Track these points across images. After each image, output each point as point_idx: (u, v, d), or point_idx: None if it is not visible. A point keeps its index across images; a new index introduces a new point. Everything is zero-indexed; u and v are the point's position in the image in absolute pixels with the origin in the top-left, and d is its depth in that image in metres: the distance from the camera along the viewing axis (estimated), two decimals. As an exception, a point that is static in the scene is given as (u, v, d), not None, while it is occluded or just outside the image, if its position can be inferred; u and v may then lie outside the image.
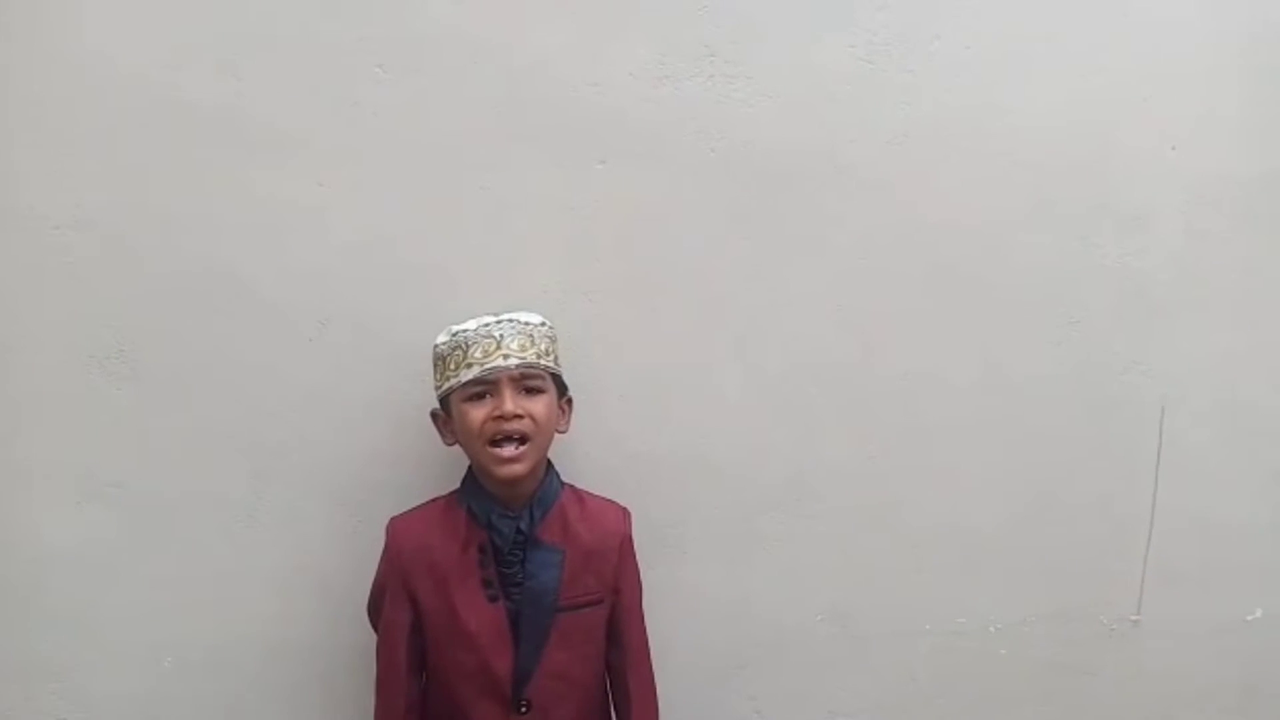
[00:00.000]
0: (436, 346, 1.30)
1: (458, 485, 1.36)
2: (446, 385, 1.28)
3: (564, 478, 1.38)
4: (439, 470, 1.43)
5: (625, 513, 1.37)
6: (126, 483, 1.46)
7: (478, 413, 1.25)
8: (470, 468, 1.33)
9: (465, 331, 1.27)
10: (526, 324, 1.28)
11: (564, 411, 1.34)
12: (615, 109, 1.49)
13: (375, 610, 1.35)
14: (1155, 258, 1.60)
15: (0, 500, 1.44)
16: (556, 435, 1.32)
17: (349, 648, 1.46)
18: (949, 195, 1.56)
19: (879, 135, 1.54)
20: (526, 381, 1.27)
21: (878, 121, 1.54)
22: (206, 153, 1.44)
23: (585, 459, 1.42)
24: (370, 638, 1.38)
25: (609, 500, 1.38)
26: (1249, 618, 1.65)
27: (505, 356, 1.25)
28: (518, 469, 1.25)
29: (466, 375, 1.25)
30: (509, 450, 1.24)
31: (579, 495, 1.36)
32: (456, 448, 1.34)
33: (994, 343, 1.58)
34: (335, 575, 1.48)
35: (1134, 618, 1.63)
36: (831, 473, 1.56)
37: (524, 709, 1.28)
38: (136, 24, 1.43)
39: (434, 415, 1.34)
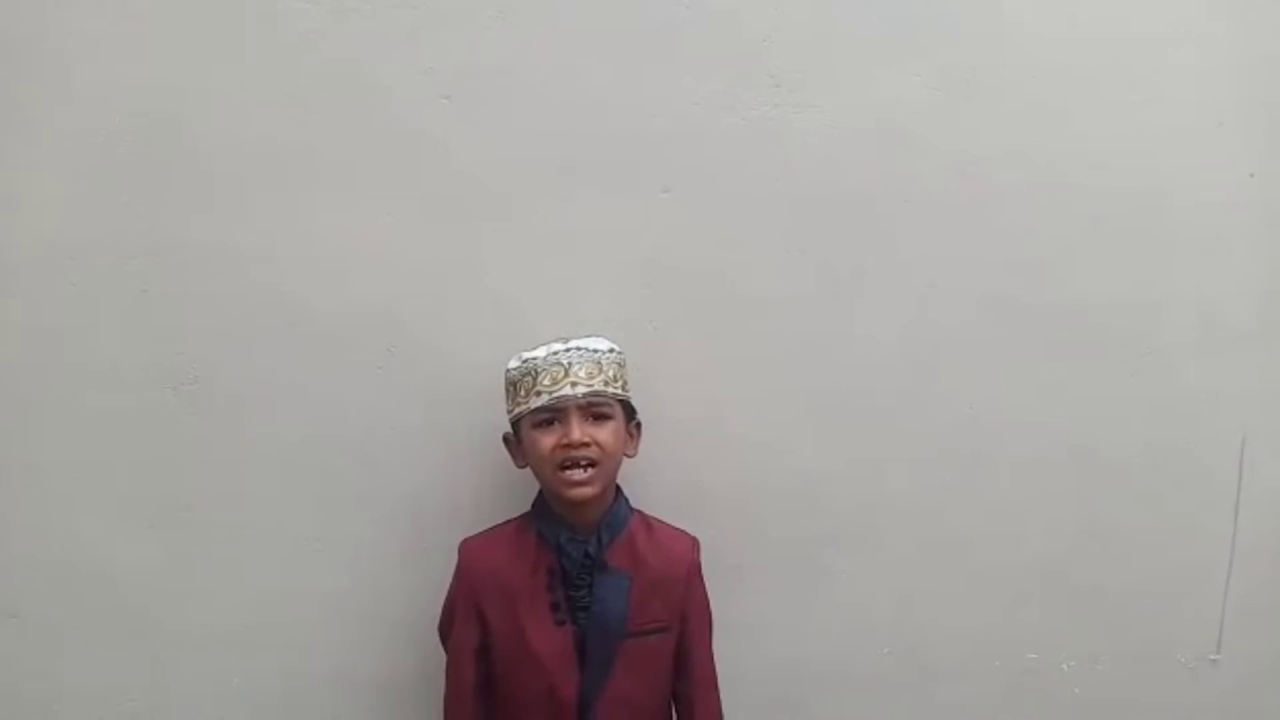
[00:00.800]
0: (508, 372, 1.33)
1: (523, 509, 1.39)
2: (517, 410, 1.31)
3: (630, 505, 1.38)
4: (503, 495, 1.46)
5: (694, 541, 1.39)
6: (197, 507, 1.49)
7: (547, 439, 1.28)
8: (540, 491, 1.35)
9: (535, 359, 1.30)
10: (595, 351, 1.31)
11: (632, 436, 1.37)
12: (680, 138, 1.51)
13: (446, 630, 1.38)
14: (1233, 286, 1.58)
15: (75, 522, 1.48)
16: (625, 459, 1.35)
17: (413, 673, 1.49)
18: (1018, 225, 1.56)
19: (946, 165, 1.54)
20: (594, 409, 1.29)
21: (945, 152, 1.54)
22: (274, 184, 1.48)
23: (646, 487, 1.43)
24: (434, 663, 1.40)
25: (678, 529, 1.39)
26: (1334, 658, 1.58)
27: (573, 385, 1.28)
28: (586, 491, 1.27)
29: (536, 402, 1.28)
30: (577, 474, 1.27)
31: (648, 522, 1.38)
32: (527, 471, 1.36)
33: (1066, 374, 1.57)
34: (400, 600, 1.50)
35: (1213, 657, 1.60)
36: (897, 505, 1.56)
37: None
38: (208, 57, 1.47)
39: (506, 439, 1.37)
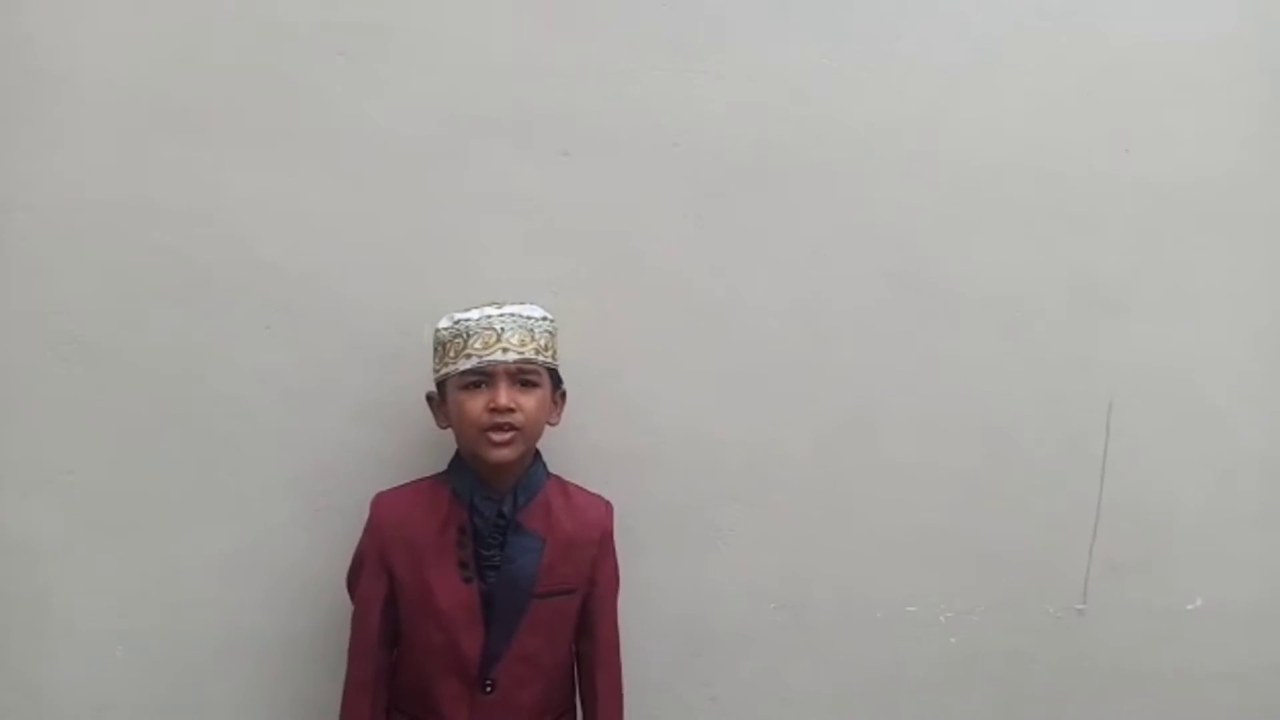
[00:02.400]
0: (438, 331, 1.34)
1: (427, 471, 1.41)
2: (444, 371, 1.33)
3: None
4: (407, 456, 1.48)
5: (609, 507, 1.43)
6: (78, 470, 1.47)
7: (473, 402, 1.30)
8: (457, 451, 1.37)
9: (467, 321, 1.31)
10: (528, 318, 1.33)
11: (557, 404, 1.39)
12: (580, 103, 1.54)
13: (354, 581, 1.39)
14: (1106, 257, 1.67)
15: None
16: (547, 427, 1.37)
17: (305, 635, 1.50)
18: (907, 194, 1.62)
19: (841, 134, 1.60)
20: (522, 375, 1.31)
21: (839, 120, 1.60)
22: (163, 141, 1.46)
23: (545, 448, 1.44)
24: (327, 623, 1.43)
25: (594, 494, 1.43)
26: (1189, 607, 1.72)
27: (504, 350, 1.29)
28: (506, 454, 1.30)
29: (464, 365, 1.30)
30: (499, 436, 1.29)
31: (564, 486, 1.41)
32: (433, 432, 1.39)
33: (947, 339, 1.64)
34: (292, 563, 1.50)
35: (1079, 607, 1.70)
36: (786, 465, 1.62)
37: (489, 689, 1.32)
38: (91, 13, 1.43)
39: (429, 398, 1.39)
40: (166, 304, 1.46)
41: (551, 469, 1.43)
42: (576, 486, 1.42)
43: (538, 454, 1.39)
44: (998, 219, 1.63)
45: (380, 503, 1.36)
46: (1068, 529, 1.68)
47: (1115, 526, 1.68)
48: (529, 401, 1.31)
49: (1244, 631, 1.72)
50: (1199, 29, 1.66)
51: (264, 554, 1.50)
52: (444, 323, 1.33)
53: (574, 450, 1.51)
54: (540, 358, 1.32)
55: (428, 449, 1.45)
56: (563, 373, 1.40)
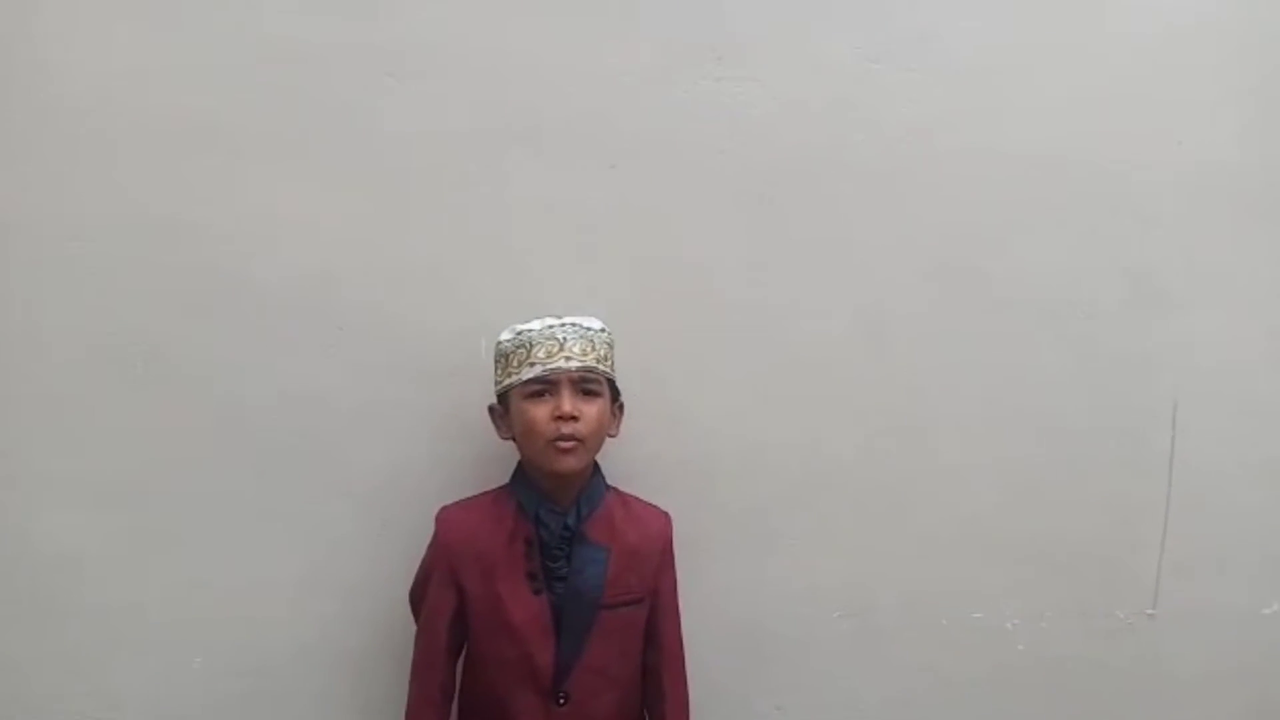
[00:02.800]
0: (499, 344, 1.36)
1: (487, 484, 1.42)
2: (508, 381, 1.34)
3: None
4: (467, 470, 1.48)
5: (667, 517, 1.44)
6: (145, 486, 1.49)
7: (537, 411, 1.31)
8: (520, 463, 1.39)
9: (530, 331, 1.33)
10: (588, 329, 1.35)
11: (616, 416, 1.41)
12: (624, 113, 1.55)
13: (418, 597, 1.40)
14: (1165, 252, 1.66)
15: (23, 502, 1.47)
16: (607, 438, 1.38)
17: (373, 650, 1.51)
18: (957, 193, 1.61)
19: (885, 135, 1.60)
20: (585, 384, 1.33)
21: (884, 121, 1.60)
22: (221, 161, 1.48)
23: (604, 458, 1.44)
24: (394, 638, 1.43)
25: (652, 505, 1.45)
26: (1265, 611, 1.70)
27: (567, 359, 1.31)
28: (571, 462, 1.31)
29: (529, 374, 1.31)
30: (566, 444, 1.30)
31: (623, 498, 1.43)
32: (494, 446, 1.40)
33: (1005, 339, 1.63)
34: (358, 577, 1.51)
35: (1149, 612, 1.67)
36: (846, 470, 1.61)
37: (562, 701, 1.33)
38: (149, 34, 1.47)
39: (491, 410, 1.40)
40: (226, 324, 1.48)
41: (608, 480, 1.43)
42: (635, 498, 1.43)
43: (597, 466, 1.40)
44: (1051, 216, 1.62)
45: (447, 517, 1.38)
46: (1136, 531, 1.66)
47: (1185, 528, 1.66)
48: (591, 410, 1.32)
49: (1322, 635, 1.67)
50: (1255, 14, 1.64)
51: (330, 570, 1.51)
52: (506, 335, 1.35)
53: (629, 460, 1.51)
54: (601, 367, 1.34)
55: (487, 462, 1.46)
56: (619, 382, 1.40)
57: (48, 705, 1.48)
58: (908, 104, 1.58)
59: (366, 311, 1.50)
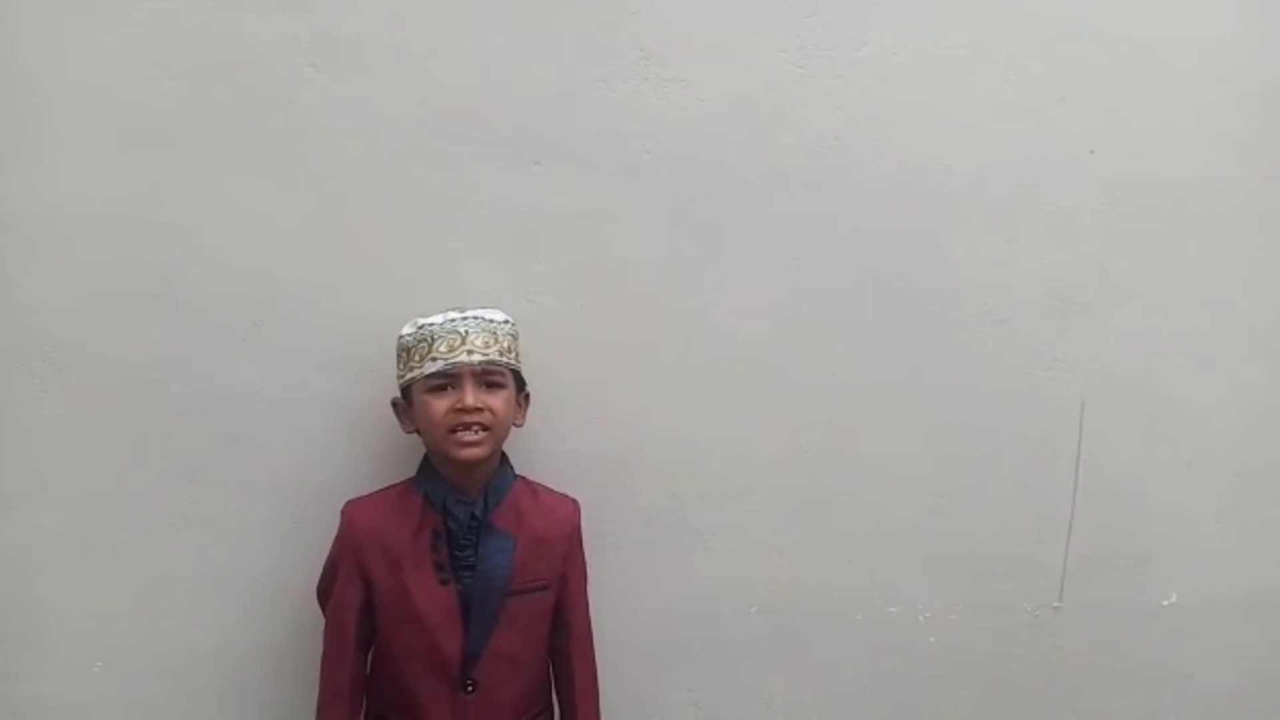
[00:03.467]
0: (401, 338, 1.36)
1: (394, 480, 1.42)
2: (410, 375, 1.35)
3: (508, 472, 1.44)
4: (371, 469, 1.48)
5: (575, 505, 1.46)
6: (55, 485, 1.47)
7: (440, 404, 1.32)
8: (426, 456, 1.39)
9: (431, 325, 1.33)
10: (490, 321, 1.35)
11: (521, 406, 1.42)
12: (551, 111, 1.55)
13: (326, 590, 1.40)
14: (1076, 258, 1.69)
15: None
16: (513, 429, 1.40)
17: (282, 646, 1.50)
18: (878, 197, 1.64)
19: (810, 138, 1.61)
20: (488, 377, 1.34)
21: (809, 125, 1.61)
22: (138, 152, 1.46)
23: (524, 453, 1.47)
24: (303, 634, 1.43)
25: (561, 493, 1.46)
26: (1165, 603, 1.75)
27: (469, 352, 1.32)
28: (476, 452, 1.32)
29: (431, 368, 1.32)
30: (469, 435, 1.31)
31: (532, 487, 1.44)
32: (404, 441, 1.41)
33: (922, 341, 1.66)
34: (269, 575, 1.51)
35: (1056, 605, 1.72)
36: (765, 468, 1.63)
37: (470, 689, 1.34)
38: (65, 25, 1.44)
39: (395, 404, 1.41)
40: (142, 317, 1.46)
41: (529, 475, 1.44)
42: (544, 487, 1.44)
43: (505, 457, 1.41)
44: (969, 223, 1.65)
45: (353, 511, 1.38)
46: (1043, 528, 1.70)
47: (1090, 524, 1.70)
48: (495, 401, 1.33)
49: (1220, 626, 1.75)
50: (1168, 25, 1.67)
51: (240, 566, 1.49)
52: (407, 329, 1.35)
53: (551, 456, 1.52)
54: (504, 359, 1.35)
55: (398, 456, 1.46)
56: (541, 380, 1.42)
57: None
58: (834, 110, 1.60)
59: (286, 305, 1.49)
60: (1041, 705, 1.71)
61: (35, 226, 1.43)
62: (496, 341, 1.34)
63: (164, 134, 1.45)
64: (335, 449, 1.50)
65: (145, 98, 1.44)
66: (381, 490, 1.41)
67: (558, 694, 1.44)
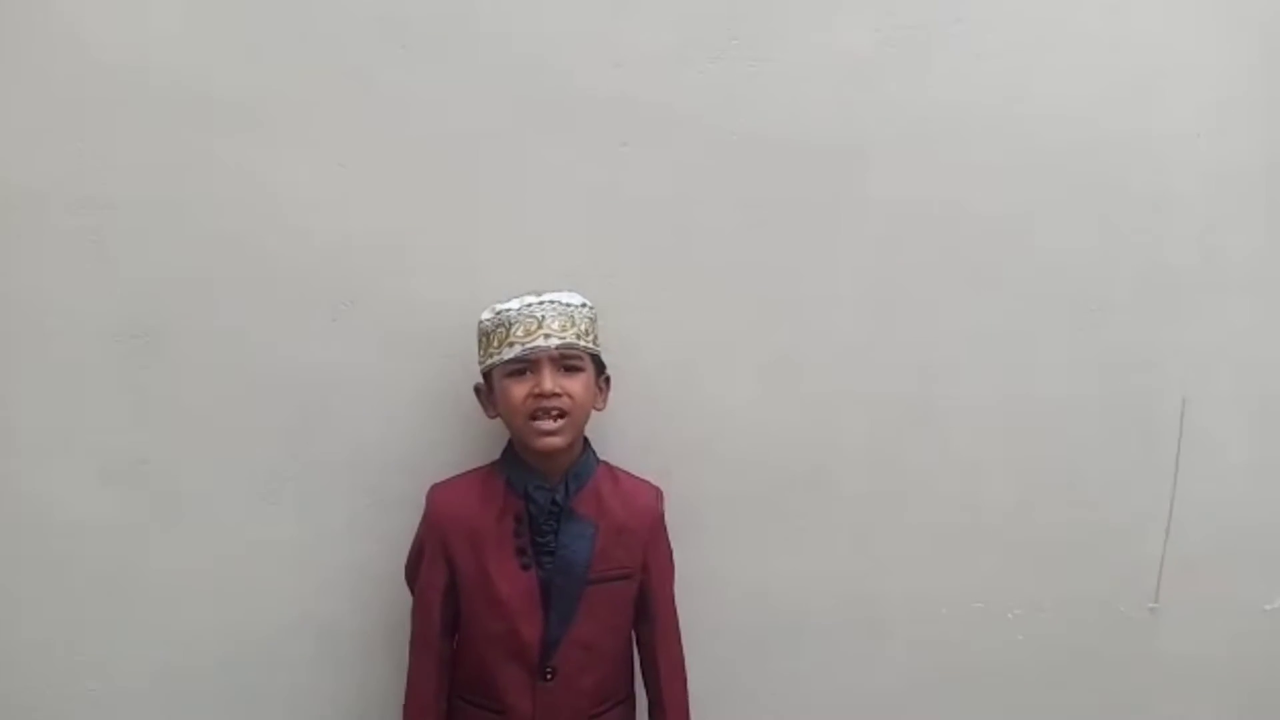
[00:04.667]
0: (481, 323, 1.36)
1: (484, 460, 1.42)
2: (489, 361, 1.35)
3: (595, 456, 1.44)
4: (465, 447, 1.49)
5: (658, 492, 1.44)
6: (150, 459, 1.51)
7: (519, 389, 1.32)
8: (510, 440, 1.40)
9: (508, 310, 1.33)
10: (568, 305, 1.35)
11: (601, 390, 1.41)
12: (637, 92, 1.53)
13: (412, 573, 1.42)
14: (1178, 246, 1.63)
15: (31, 477, 1.49)
16: (594, 413, 1.39)
17: (380, 620, 1.52)
18: (970, 180, 1.59)
19: (900, 120, 1.57)
20: (566, 361, 1.33)
21: (899, 106, 1.57)
22: (228, 134, 1.48)
23: (608, 438, 1.46)
24: (401, 609, 1.43)
25: (643, 479, 1.45)
26: (1268, 607, 1.68)
27: (546, 336, 1.31)
28: (556, 441, 1.32)
29: (509, 353, 1.32)
30: (547, 424, 1.31)
31: (614, 473, 1.43)
32: (489, 423, 1.41)
33: (1015, 330, 1.61)
34: (356, 551, 1.53)
35: (1151, 605, 1.66)
36: (852, 455, 1.60)
37: (549, 676, 1.34)
38: (157, 7, 1.46)
39: (477, 389, 1.42)
40: (232, 295, 1.48)
41: (611, 459, 1.44)
42: (626, 473, 1.43)
43: (587, 441, 1.41)
44: (1064, 207, 1.59)
45: (437, 494, 1.39)
46: (1141, 526, 1.65)
47: (1189, 524, 1.64)
48: (574, 385, 1.33)
49: (1325, 632, 1.66)
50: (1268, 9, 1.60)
51: (329, 543, 1.52)
52: (486, 314, 1.36)
53: (633, 440, 1.51)
54: (582, 342, 1.34)
55: (484, 439, 1.46)
56: (626, 361, 1.41)
57: (49, 675, 1.50)
58: (927, 88, 1.55)
59: (372, 286, 1.50)
60: (1132, 709, 1.66)
61: (128, 205, 1.46)
62: (574, 325, 1.33)
63: (254, 113, 1.46)
64: (421, 431, 1.50)
65: (235, 76, 1.46)
66: (465, 474, 1.41)
67: (645, 682, 1.44)
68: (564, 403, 1.31)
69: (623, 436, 1.50)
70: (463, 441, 1.49)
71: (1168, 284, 1.61)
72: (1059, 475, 1.62)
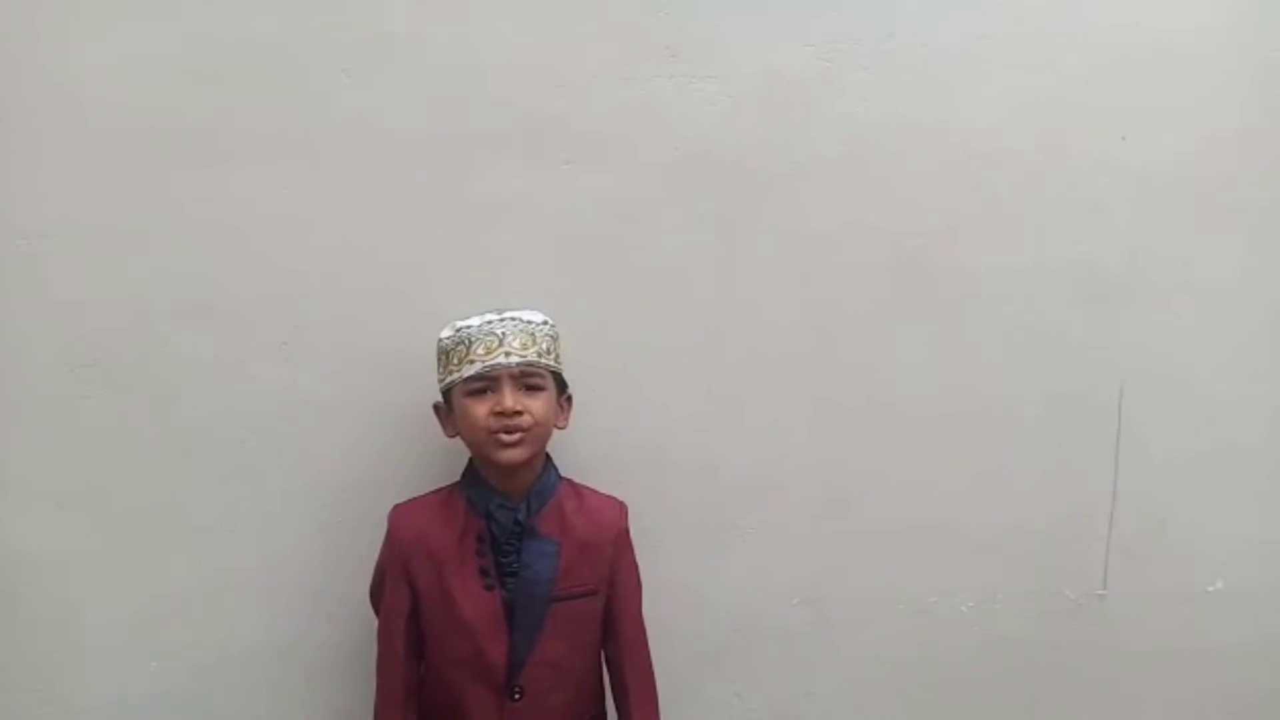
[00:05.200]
0: (440, 341, 1.36)
1: (442, 481, 1.43)
2: (449, 379, 1.34)
3: (545, 472, 1.45)
4: (424, 467, 1.49)
5: (623, 507, 1.44)
6: (105, 488, 1.50)
7: (479, 408, 1.31)
8: (470, 460, 1.40)
9: (469, 328, 1.33)
10: (529, 323, 1.34)
11: (563, 408, 1.41)
12: (580, 110, 1.55)
13: (377, 596, 1.41)
14: (1109, 247, 1.67)
15: None
16: (556, 431, 1.39)
17: (332, 645, 1.52)
18: (907, 191, 1.63)
19: (838, 133, 1.61)
20: (527, 379, 1.33)
21: (836, 120, 1.61)
22: (175, 159, 1.48)
23: (561, 453, 1.46)
24: (363, 630, 1.43)
25: (607, 495, 1.44)
26: (1210, 589, 1.73)
27: (507, 354, 1.31)
28: (516, 454, 1.31)
29: (469, 370, 1.31)
30: (508, 438, 1.31)
31: (577, 490, 1.43)
32: (448, 443, 1.41)
33: (954, 334, 1.65)
34: (315, 574, 1.53)
35: (1100, 592, 1.70)
36: (802, 461, 1.63)
37: (517, 696, 1.34)
38: (99, 32, 1.46)
39: (436, 408, 1.41)
40: (182, 321, 1.48)
41: (565, 473, 1.44)
42: (589, 489, 1.44)
43: (548, 459, 1.41)
44: (999, 213, 1.63)
45: (398, 515, 1.38)
46: (1085, 515, 1.69)
47: (1132, 511, 1.68)
48: (535, 404, 1.32)
49: (1267, 611, 1.72)
50: (1200, 13, 1.65)
51: (287, 567, 1.51)
52: (446, 332, 1.35)
53: (586, 454, 1.52)
54: (543, 360, 1.34)
55: (442, 458, 1.47)
56: (573, 378, 1.42)
57: (4, 709, 1.48)
58: (863, 101, 1.59)
59: (325, 309, 1.50)
60: (1087, 693, 1.69)
61: (76, 232, 1.45)
62: (535, 343, 1.33)
63: (201, 139, 1.46)
64: (378, 452, 1.51)
65: (182, 103, 1.46)
66: (427, 494, 1.41)
67: (615, 700, 1.43)
68: (524, 420, 1.30)
69: (576, 452, 1.49)
70: (422, 462, 1.49)
71: (1101, 282, 1.64)
72: (1006, 470, 1.65)
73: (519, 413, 1.29)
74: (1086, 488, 1.67)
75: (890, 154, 1.60)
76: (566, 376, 1.40)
